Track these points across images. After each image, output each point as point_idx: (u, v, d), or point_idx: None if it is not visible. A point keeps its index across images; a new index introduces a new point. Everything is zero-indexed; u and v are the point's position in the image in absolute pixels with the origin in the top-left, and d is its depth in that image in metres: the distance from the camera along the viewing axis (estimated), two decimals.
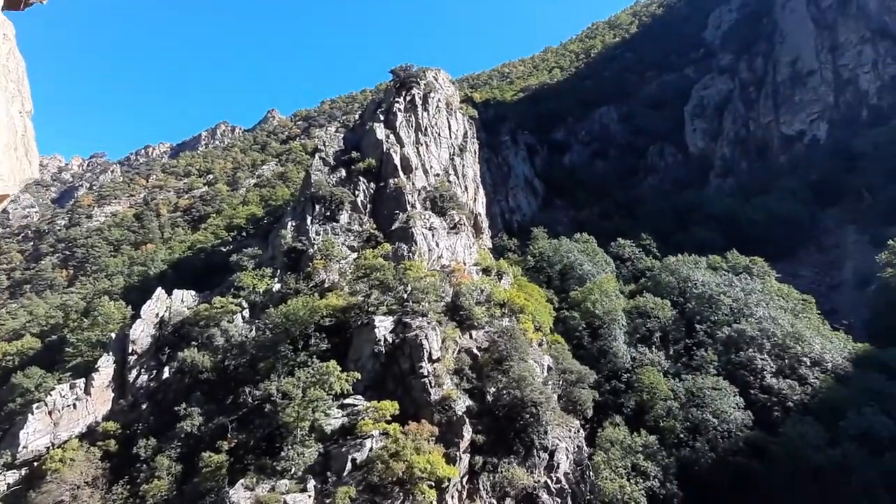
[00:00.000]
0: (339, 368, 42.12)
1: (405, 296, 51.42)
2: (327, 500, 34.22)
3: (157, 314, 60.75)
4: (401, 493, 34.24)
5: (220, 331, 54.29)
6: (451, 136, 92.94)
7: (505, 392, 42.47)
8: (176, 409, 46.34)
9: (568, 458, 41.59)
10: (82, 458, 44.63)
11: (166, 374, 53.36)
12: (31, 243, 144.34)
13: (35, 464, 47.17)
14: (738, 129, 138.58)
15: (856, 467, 40.87)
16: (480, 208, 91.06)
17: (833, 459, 41.76)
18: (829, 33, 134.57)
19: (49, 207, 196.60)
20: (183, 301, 63.39)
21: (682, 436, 47.50)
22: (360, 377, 43.06)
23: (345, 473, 36.06)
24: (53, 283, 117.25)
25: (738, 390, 50.65)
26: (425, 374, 42.35)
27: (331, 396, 40.67)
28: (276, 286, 60.74)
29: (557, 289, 70.24)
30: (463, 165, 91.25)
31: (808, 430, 44.37)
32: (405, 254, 61.32)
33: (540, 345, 53.37)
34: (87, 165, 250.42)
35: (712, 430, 47.00)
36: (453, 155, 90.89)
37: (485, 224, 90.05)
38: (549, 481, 39.15)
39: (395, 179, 73.96)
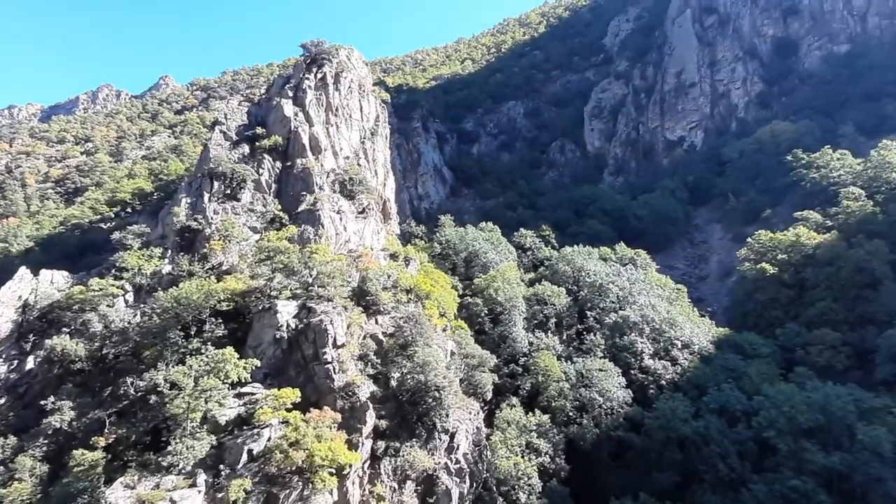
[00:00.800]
0: (236, 355, 39.63)
1: (310, 280, 49.54)
2: (219, 495, 32.33)
3: (21, 297, 53.31)
4: (300, 483, 33.28)
5: (98, 316, 48.79)
6: (362, 119, 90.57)
7: (409, 377, 42.63)
8: (42, 402, 41.02)
9: (468, 439, 42.84)
10: None
11: (30, 364, 47.12)
12: None
13: None
14: (629, 131, 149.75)
15: (714, 437, 46.37)
16: (390, 194, 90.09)
17: (697, 430, 47.05)
18: (710, 50, 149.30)
19: None
20: (53, 282, 56.20)
21: (570, 414, 50.93)
22: (259, 364, 40.91)
23: (240, 466, 34.24)
24: None
25: (620, 371, 55.20)
26: (329, 360, 41.25)
27: (226, 385, 38.20)
28: (167, 268, 55.79)
29: (462, 276, 71.70)
30: (374, 149, 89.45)
31: (678, 405, 49.54)
32: (311, 237, 59.06)
33: (444, 330, 54.14)
34: None
35: (598, 408, 50.87)
36: (364, 138, 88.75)
37: (393, 210, 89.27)
38: (448, 462, 40.12)
39: (303, 160, 70.69)
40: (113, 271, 55.72)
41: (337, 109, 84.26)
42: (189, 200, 66.38)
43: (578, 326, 65.69)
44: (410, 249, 69.80)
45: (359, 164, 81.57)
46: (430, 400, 41.24)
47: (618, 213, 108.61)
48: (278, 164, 71.34)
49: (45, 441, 38.34)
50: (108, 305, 50.40)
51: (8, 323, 51.00)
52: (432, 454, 39.57)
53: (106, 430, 37.47)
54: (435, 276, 62.87)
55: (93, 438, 36.39)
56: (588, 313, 66.58)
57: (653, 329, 62.19)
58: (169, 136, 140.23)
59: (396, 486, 37.11)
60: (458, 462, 40.50)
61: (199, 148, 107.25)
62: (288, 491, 32.80)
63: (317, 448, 33.85)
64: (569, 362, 57.34)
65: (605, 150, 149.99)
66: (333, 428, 36.81)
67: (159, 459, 34.13)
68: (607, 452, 48.19)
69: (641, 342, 59.73)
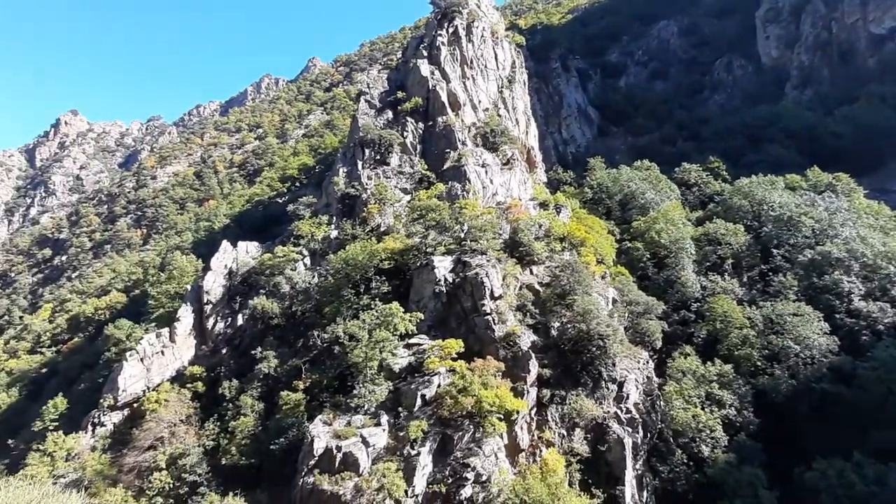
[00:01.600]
0: (401, 310, 42.63)
1: (462, 235, 50.75)
2: (401, 434, 35.53)
3: (226, 265, 63.46)
4: (471, 426, 34.98)
5: (284, 279, 56.17)
6: (498, 68, 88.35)
7: (570, 326, 41.77)
8: (252, 352, 49.00)
9: (637, 388, 40.95)
10: (175, 399, 48.54)
11: (240, 320, 56.26)
12: (105, 206, 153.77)
13: (134, 405, 51.84)
14: (818, 32, 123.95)
15: None
16: (533, 141, 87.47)
17: None
18: None
19: (116, 172, 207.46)
20: (248, 252, 65.79)
21: (759, 364, 45.62)
22: (422, 317, 43.49)
23: (415, 409, 37.11)
24: (130, 243, 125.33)
25: (822, 315, 47.57)
26: (488, 311, 42.15)
27: (396, 337, 41.42)
28: (334, 233, 61.61)
29: (618, 220, 67.43)
30: (512, 98, 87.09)
31: None
32: (459, 193, 60.13)
33: (603, 277, 51.81)
34: (146, 129, 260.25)
35: (793, 357, 44.75)
36: (502, 87, 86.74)
37: (538, 158, 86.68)
38: (618, 412, 38.86)
39: (444, 117, 71.63)
40: (292, 239, 63.28)
41: (472, 62, 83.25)
42: (345, 169, 71.94)
43: (762, 267, 57.85)
44: (560, 197, 67.43)
45: (499, 115, 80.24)
46: (594, 349, 40.03)
47: (807, 132, 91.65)
48: (420, 124, 73.35)
49: (259, 384, 45.81)
50: (291, 269, 57.62)
51: (220, 288, 61.30)
52: (600, 403, 38.68)
53: (303, 376, 43.39)
54: (588, 222, 60.10)
55: (294, 382, 42.47)
56: (774, 251, 58.14)
57: (863, 265, 52.18)
58: (322, 113, 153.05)
59: (565, 433, 37.16)
60: (628, 412, 39.04)
61: (348, 120, 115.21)
62: (461, 433, 34.75)
63: (484, 395, 35.15)
64: (753, 307, 51.06)
65: (786, 60, 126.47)
66: (498, 376, 37.84)
67: (348, 401, 38.56)
68: (808, 406, 42.36)
69: (849, 281, 50.57)
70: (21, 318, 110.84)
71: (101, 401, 52.53)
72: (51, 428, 55.56)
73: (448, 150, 67.79)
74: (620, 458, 36.39)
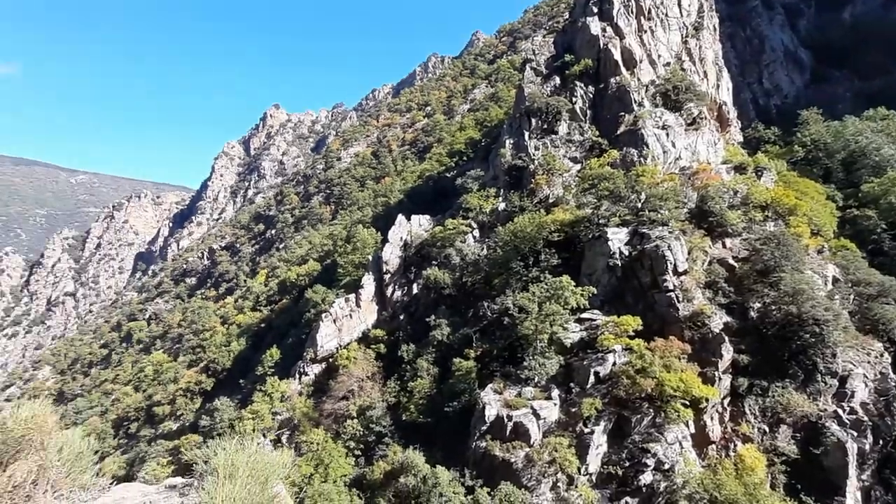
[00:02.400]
0: (572, 283, 41.36)
1: (639, 205, 47.07)
2: (573, 409, 34.85)
3: (401, 238, 68.46)
4: (651, 410, 32.81)
5: (454, 250, 58.54)
6: (681, 14, 78.74)
7: (774, 308, 36.25)
8: (427, 319, 52.36)
9: (867, 386, 34.08)
10: (362, 358, 54.45)
11: (415, 289, 60.43)
12: (302, 187, 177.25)
13: (330, 360, 59.47)
14: None
15: None
16: (725, 96, 76.75)
17: None
18: None
19: (310, 156, 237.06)
20: (420, 225, 69.98)
21: None
22: (595, 292, 41.67)
23: (588, 386, 36.02)
24: (322, 218, 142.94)
25: None
26: (670, 287, 38.66)
27: (567, 311, 40.43)
28: (501, 205, 62.09)
29: (841, 183, 56.11)
30: (699, 47, 77.08)
31: None
32: (635, 159, 55.73)
33: (819, 252, 43.77)
34: (332, 115, 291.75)
35: None
36: (686, 37, 77.25)
37: (732, 114, 75.89)
38: (839, 411, 32.84)
39: (617, 78, 66.52)
40: (461, 212, 65.48)
41: (649, 11, 75.42)
42: (511, 141, 71.53)
43: None
44: (761, 158, 58.31)
45: (682, 69, 71.86)
46: (807, 335, 34.18)
47: None
48: (591, 88, 69.25)
49: (433, 349, 48.88)
50: (461, 241, 59.79)
51: (396, 258, 66.46)
52: (814, 399, 33.08)
53: (473, 345, 45.04)
54: (800, 186, 51.07)
55: (466, 350, 44.34)
56: None
57: None
58: (486, 86, 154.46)
59: (767, 429, 32.66)
60: (853, 412, 32.74)
61: (513, 91, 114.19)
62: (639, 416, 32.81)
63: (666, 378, 32.55)
64: None
65: None
66: (682, 359, 34.72)
67: (518, 372, 39.00)
68: None
69: None
70: (245, 281, 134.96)
71: (304, 354, 61.32)
72: (269, 373, 66.70)
73: (622, 114, 63.03)
74: (841, 464, 30.83)
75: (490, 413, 36.39)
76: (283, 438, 52.88)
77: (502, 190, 65.29)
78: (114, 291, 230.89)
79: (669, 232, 42.15)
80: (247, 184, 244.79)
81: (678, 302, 37.85)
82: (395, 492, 36.34)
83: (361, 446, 44.09)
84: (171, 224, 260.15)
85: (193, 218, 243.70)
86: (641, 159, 55.44)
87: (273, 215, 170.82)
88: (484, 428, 36.26)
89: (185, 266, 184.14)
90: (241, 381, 76.48)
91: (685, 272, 39.67)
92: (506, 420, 35.83)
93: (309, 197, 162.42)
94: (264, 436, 55.55)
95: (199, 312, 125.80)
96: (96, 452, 7.06)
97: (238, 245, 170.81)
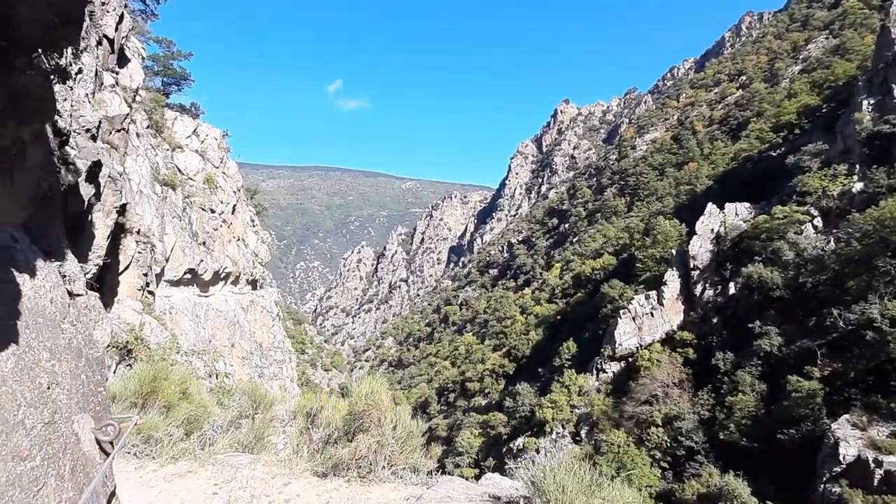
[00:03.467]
0: None
1: None
2: None
3: (712, 230, 60.91)
4: None
5: (787, 244, 48.85)
6: None
7: None
8: (749, 325, 45.21)
9: None
10: (666, 361, 50.78)
11: (731, 289, 52.97)
12: (594, 179, 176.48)
13: (629, 359, 57.46)
14: None
15: None
16: None
17: None
18: None
19: (601, 147, 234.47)
20: (737, 214, 61.02)
21: None
22: None
23: None
24: (616, 210, 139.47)
25: None
26: None
27: None
28: (858, 185, 48.95)
29: None
30: None
31: None
32: None
33: None
34: (624, 103, 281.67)
35: None
36: None
37: None
38: None
39: None
40: (794, 196, 54.34)
41: None
42: (871, 101, 55.87)
43: None
44: None
45: None
46: None
47: None
48: None
49: (758, 362, 41.89)
50: (795, 233, 49.55)
51: (706, 253, 59.46)
52: None
53: (818, 362, 36.72)
54: None
55: (806, 367, 36.53)
56: None
57: None
58: (825, 38, 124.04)
59: None
60: None
61: (869, 37, 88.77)
62: None
63: None
64: None
65: None
66: None
67: (891, 405, 30.02)
68: None
69: None
70: (541, 273, 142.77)
71: (602, 350, 60.85)
72: (566, 365, 68.68)
73: None
74: None
75: (847, 453, 29.06)
76: (583, 433, 53.68)
77: (858, 166, 51.49)
78: (434, 279, 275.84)
79: None
80: (540, 180, 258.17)
81: None
82: None
83: (669, 459, 41.17)
84: (475, 220, 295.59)
85: (494, 214, 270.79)
86: None
87: (566, 209, 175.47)
88: (837, 470, 29.22)
89: (487, 258, 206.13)
90: (539, 369, 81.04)
91: None
92: (872, 465, 28.06)
93: (602, 189, 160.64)
94: (563, 426, 57.57)
95: (500, 301, 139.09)
96: (424, 433, 7.73)
97: (534, 239, 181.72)
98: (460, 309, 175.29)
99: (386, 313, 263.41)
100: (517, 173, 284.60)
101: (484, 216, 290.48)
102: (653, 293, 61.11)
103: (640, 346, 57.75)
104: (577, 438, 54.53)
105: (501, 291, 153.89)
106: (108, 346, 14.98)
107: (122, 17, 24.07)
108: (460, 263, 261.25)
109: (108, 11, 22.22)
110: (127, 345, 15.65)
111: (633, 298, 63.99)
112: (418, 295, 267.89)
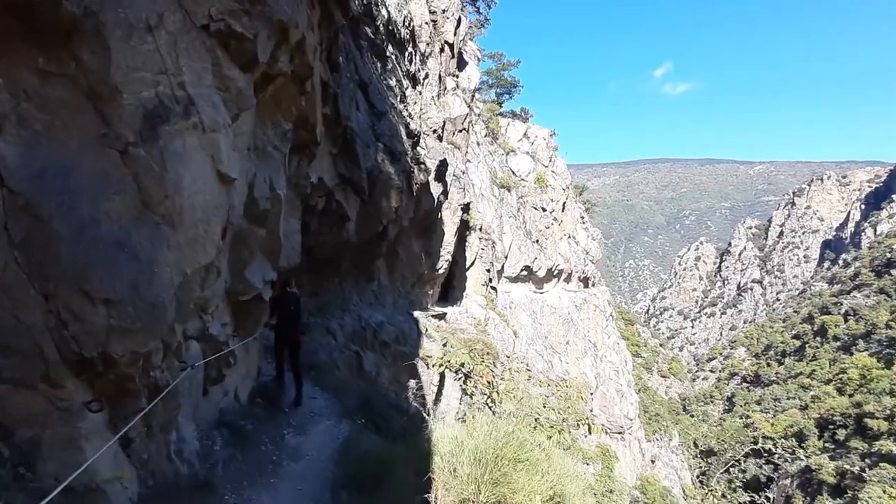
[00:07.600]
0: None
1: None
2: None
3: None
4: None
5: None
6: None
7: None
8: None
9: None
10: None
11: None
12: None
13: None
14: None
15: None
16: None
17: None
18: None
19: None
20: None
21: None
22: None
23: None
24: None
25: None
26: None
27: None
28: None
29: None
30: None
31: None
32: None
33: None
34: None
35: None
36: None
37: None
38: None
39: None
40: None
41: None
42: None
43: None
44: None
45: None
46: None
47: None
48: None
49: None
50: None
51: None
52: None
53: None
54: None
55: None
56: None
57: None
58: None
59: None
60: None
61: None
62: None
63: None
64: None
65: None
66: None
67: None
68: None
69: None
70: None
71: None
72: None
73: None
74: None
75: None
76: None
77: None
78: (800, 281, 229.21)
79: None
80: None
81: None
82: None
83: None
84: (862, 206, 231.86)
85: (893, 196, 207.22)
86: None
87: None
88: None
89: (888, 255, 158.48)
90: None
91: None
92: None
93: None
94: None
95: None
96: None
97: None
98: (845, 320, 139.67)
99: (734, 319, 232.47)
100: None
101: (877, 200, 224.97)
102: None
103: None
104: None
105: None
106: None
107: (459, 22, 26.60)
108: (839, 262, 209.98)
109: (447, 18, 24.70)
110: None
111: None
112: (778, 299, 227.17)
